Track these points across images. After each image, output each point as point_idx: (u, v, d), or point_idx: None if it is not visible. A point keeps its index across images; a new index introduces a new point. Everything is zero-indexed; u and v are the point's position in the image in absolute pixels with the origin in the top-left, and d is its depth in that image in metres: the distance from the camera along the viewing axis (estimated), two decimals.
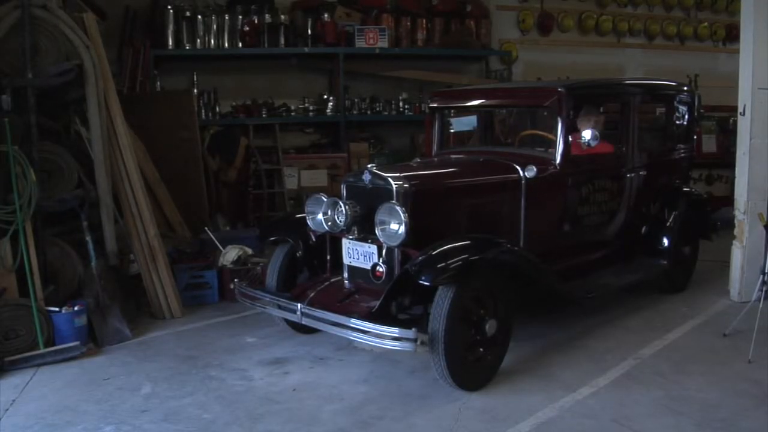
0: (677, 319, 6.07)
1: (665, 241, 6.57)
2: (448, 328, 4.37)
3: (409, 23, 10.60)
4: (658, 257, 6.57)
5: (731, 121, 10.27)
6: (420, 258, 4.52)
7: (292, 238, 5.60)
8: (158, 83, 9.23)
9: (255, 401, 4.57)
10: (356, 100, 10.31)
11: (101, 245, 6.11)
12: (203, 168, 8.44)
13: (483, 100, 6.58)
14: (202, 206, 8.25)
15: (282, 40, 9.73)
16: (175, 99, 8.55)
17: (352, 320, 4.47)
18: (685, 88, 7.34)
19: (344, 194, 5.22)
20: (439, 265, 4.43)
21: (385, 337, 4.30)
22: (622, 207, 6.34)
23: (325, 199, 5.22)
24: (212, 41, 9.46)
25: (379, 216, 4.80)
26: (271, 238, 5.87)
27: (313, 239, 5.47)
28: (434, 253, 4.51)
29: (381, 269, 4.94)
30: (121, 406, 4.57)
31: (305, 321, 4.78)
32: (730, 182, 9.83)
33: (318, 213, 5.25)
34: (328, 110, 10.11)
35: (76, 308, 5.55)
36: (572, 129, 5.82)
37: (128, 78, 8.57)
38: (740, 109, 6.36)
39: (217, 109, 9.67)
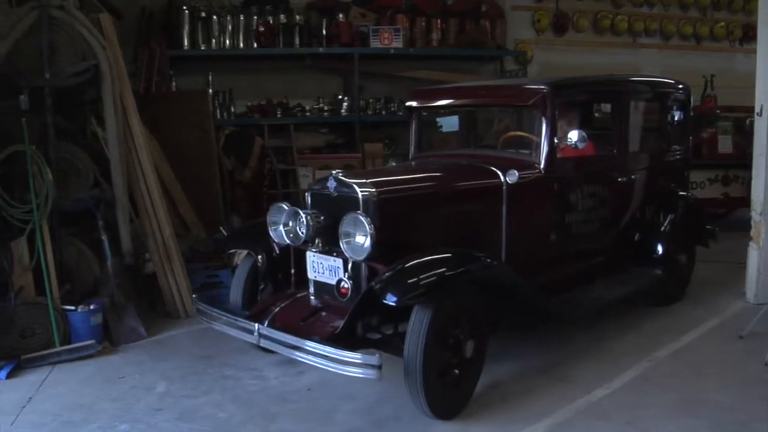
0: (692, 321, 6.03)
1: (660, 250, 6.23)
2: (426, 354, 3.99)
3: (423, 23, 10.59)
4: (652, 267, 6.22)
5: (748, 121, 10.19)
6: (385, 275, 4.10)
7: (253, 250, 5.21)
8: (174, 83, 9.26)
9: (269, 401, 4.58)
10: (371, 100, 10.32)
11: (117, 245, 6.14)
12: (218, 168, 8.46)
13: (463, 100, 6.15)
14: (216, 206, 8.27)
15: (297, 41, 9.76)
16: (191, 99, 8.57)
17: (311, 344, 4.04)
18: (680, 86, 6.98)
19: (308, 203, 4.81)
20: (406, 284, 4.02)
21: (346, 363, 3.89)
22: (614, 213, 5.98)
23: (286, 208, 4.81)
24: (227, 42, 9.49)
25: (344, 227, 4.38)
26: (230, 251, 5.45)
27: (277, 251, 5.04)
28: (401, 269, 4.09)
29: (346, 286, 4.48)
30: (135, 404, 4.60)
31: (264, 343, 4.36)
32: (747, 183, 9.80)
33: (280, 223, 4.85)
34: (343, 110, 10.11)
35: (91, 307, 5.59)
36: (558, 130, 5.38)
37: (144, 78, 8.60)
38: (757, 110, 6.32)
39: (233, 109, 9.71)
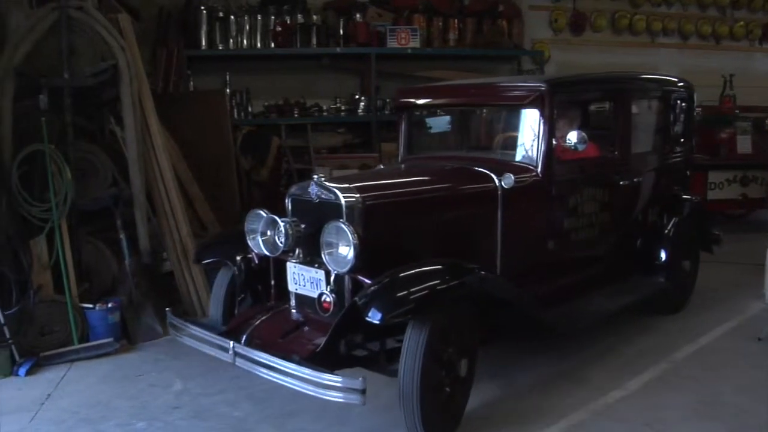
0: (710, 323, 5.99)
1: (663, 256, 5.93)
2: (423, 375, 3.73)
3: (440, 23, 10.56)
4: (655, 274, 5.93)
5: (767, 121, 10.16)
6: (369, 290, 3.79)
7: (230, 261, 4.80)
8: (191, 83, 9.29)
9: (285, 400, 4.58)
10: (388, 100, 10.28)
11: (135, 243, 6.18)
12: (235, 167, 8.48)
13: (456, 99, 5.80)
14: (234, 205, 8.29)
15: (314, 41, 9.75)
16: (208, 99, 8.59)
17: (288, 365, 3.68)
18: (683, 84, 6.66)
19: (289, 209, 4.50)
20: (392, 300, 3.71)
21: (327, 386, 3.55)
22: (615, 219, 5.69)
23: (264, 215, 4.46)
24: (245, 41, 9.51)
25: (325, 237, 4.08)
26: (205, 261, 5.08)
27: (256, 261, 4.67)
28: (387, 284, 3.78)
29: (328, 300, 4.17)
30: (153, 402, 4.63)
31: (240, 363, 3.95)
32: (766, 184, 9.76)
33: (258, 232, 4.51)
34: (360, 110, 10.10)
35: (109, 305, 5.63)
36: (557, 130, 5.08)
37: (162, 78, 8.63)
38: None
39: (250, 108, 9.72)
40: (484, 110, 5.87)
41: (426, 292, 3.78)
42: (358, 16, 9.97)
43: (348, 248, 3.99)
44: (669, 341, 5.56)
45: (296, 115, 9.80)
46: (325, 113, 10.05)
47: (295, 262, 4.37)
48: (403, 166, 5.80)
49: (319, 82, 10.29)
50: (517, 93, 5.25)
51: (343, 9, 10.05)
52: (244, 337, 4.16)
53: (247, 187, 9.04)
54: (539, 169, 4.98)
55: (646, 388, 4.74)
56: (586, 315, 5.23)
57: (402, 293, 3.74)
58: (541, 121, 4.98)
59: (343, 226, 4.01)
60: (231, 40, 9.41)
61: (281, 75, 10.07)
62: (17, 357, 5.19)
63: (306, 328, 4.28)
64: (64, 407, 4.58)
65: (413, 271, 3.89)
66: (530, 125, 5.11)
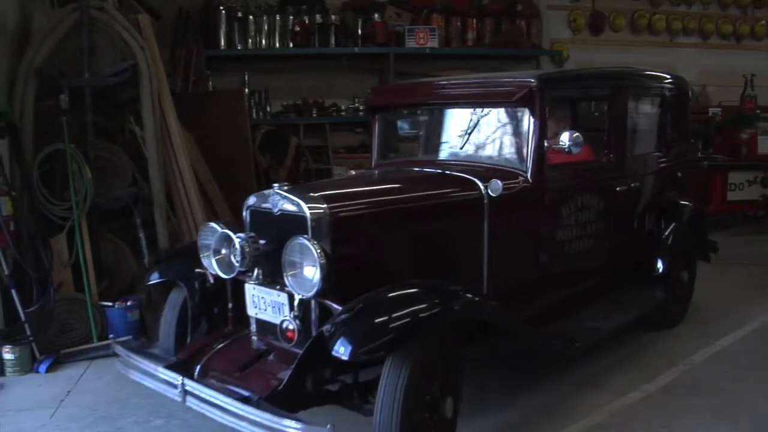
0: (728, 325, 5.94)
1: (661, 267, 5.52)
2: (403, 419, 3.19)
3: (459, 23, 10.55)
4: (653, 287, 5.51)
5: None
6: (338, 319, 3.30)
7: (182, 280, 4.26)
8: (210, 83, 9.34)
9: None
10: None
11: (154, 242, 6.21)
12: (254, 167, 8.51)
13: (436, 97, 5.19)
14: None
15: (332, 41, 9.77)
16: (227, 98, 8.63)
17: (244, 407, 3.19)
18: (677, 81, 6.22)
19: (247, 223, 3.99)
20: (363, 331, 3.23)
21: None
22: (611, 228, 5.23)
23: (219, 230, 3.88)
24: (263, 41, 9.54)
25: (288, 255, 3.54)
26: (152, 281, 4.44)
27: (211, 281, 4.10)
28: (358, 312, 3.29)
29: (291, 327, 3.59)
30: (170, 400, 4.64)
31: (190, 403, 3.45)
32: None
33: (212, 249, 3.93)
34: None
35: (128, 303, 5.66)
36: (548, 131, 4.59)
37: (181, 78, 8.68)
38: None
39: (268, 108, 9.76)
40: (468, 109, 4.99)
41: (405, 321, 3.27)
42: (376, 15, 9.98)
43: (314, 269, 3.45)
44: (686, 344, 5.51)
45: (314, 115, 9.83)
46: (343, 113, 10.07)
47: (254, 284, 3.85)
48: (377, 172, 5.28)
49: (337, 81, 10.30)
50: (503, 89, 4.73)
51: (361, 9, 10.06)
52: (197, 369, 3.72)
53: (266, 186, 9.06)
54: (529, 175, 4.49)
55: (665, 390, 4.71)
56: (581, 336, 4.65)
57: (376, 323, 3.25)
58: (532, 120, 4.50)
59: (307, 242, 3.48)
60: (250, 40, 9.46)
61: (300, 75, 10.10)
62: (37, 354, 5.25)
63: (270, 358, 3.76)
64: (83, 404, 4.61)
65: (389, 296, 3.39)
66: (519, 125, 4.64)
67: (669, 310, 5.73)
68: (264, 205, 3.88)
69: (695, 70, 12.37)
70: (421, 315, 3.33)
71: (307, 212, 3.61)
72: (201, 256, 4.03)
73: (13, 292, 5.21)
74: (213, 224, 3.95)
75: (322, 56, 9.96)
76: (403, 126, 5.62)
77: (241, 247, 3.69)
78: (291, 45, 9.61)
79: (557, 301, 4.83)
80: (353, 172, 5.37)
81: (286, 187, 3.79)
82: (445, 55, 10.44)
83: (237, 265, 3.76)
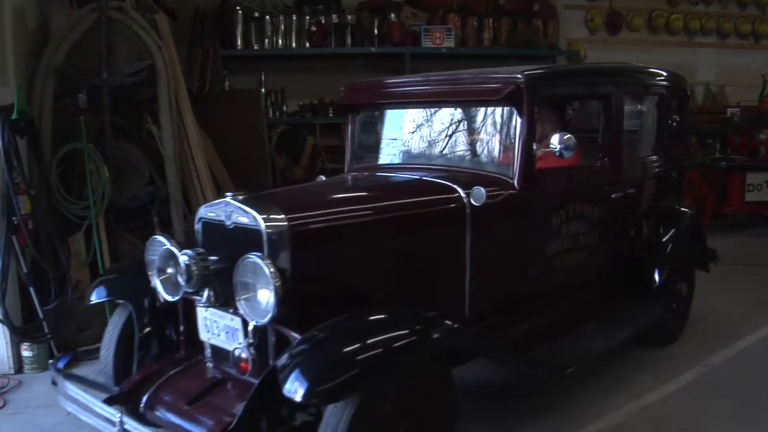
0: (748, 326, 5.90)
1: (659, 280, 5.11)
2: None
3: (475, 23, 10.53)
4: (650, 300, 5.12)
5: None
6: (293, 351, 2.86)
7: (128, 300, 3.85)
8: (227, 83, 9.38)
9: None
10: None
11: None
12: (270, 166, 8.53)
13: (413, 96, 4.67)
14: None
15: (349, 40, 9.79)
16: (244, 98, 8.66)
17: None
18: (676, 79, 5.80)
19: (199, 237, 3.57)
20: (322, 368, 2.79)
21: None
22: (606, 238, 4.82)
23: (167, 244, 3.45)
24: (280, 41, 9.58)
25: (239, 276, 3.13)
26: (94, 301, 3.98)
27: (161, 300, 3.61)
28: (317, 343, 2.88)
29: (244, 356, 3.17)
30: None
31: None
32: None
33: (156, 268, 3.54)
34: None
35: None
36: (537, 133, 4.19)
37: (198, 77, 8.71)
38: None
39: (285, 108, 9.79)
40: (450, 108, 4.56)
41: (372, 354, 2.84)
42: (392, 15, 9.98)
43: (268, 292, 3.04)
44: (705, 345, 5.48)
45: (331, 115, 9.84)
46: None
47: (205, 306, 3.42)
48: (349, 178, 4.84)
49: (353, 81, 10.29)
50: (488, 86, 4.24)
51: (377, 9, 10.06)
52: (144, 400, 3.33)
53: (282, 186, 9.09)
54: (516, 181, 4.07)
55: (683, 391, 4.69)
56: (575, 356, 4.26)
57: (338, 357, 2.83)
58: (519, 120, 4.07)
59: (260, 262, 3.05)
60: (266, 40, 9.49)
61: (316, 75, 10.11)
62: (55, 352, 5.29)
63: (227, 388, 3.35)
64: None
65: (355, 324, 3.01)
66: (505, 126, 4.22)
67: (667, 325, 5.38)
68: (217, 217, 3.43)
69: (713, 70, 12.31)
70: (393, 346, 2.92)
71: (262, 225, 3.17)
72: (149, 273, 3.61)
73: (32, 290, 5.26)
74: (160, 238, 3.52)
75: (338, 56, 9.97)
76: (380, 126, 5.02)
77: (187, 266, 3.28)
78: (307, 45, 9.64)
79: (548, 320, 4.43)
80: (323, 178, 4.84)
81: (241, 197, 3.37)
82: (462, 55, 10.42)
83: (183, 285, 3.35)
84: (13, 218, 5.17)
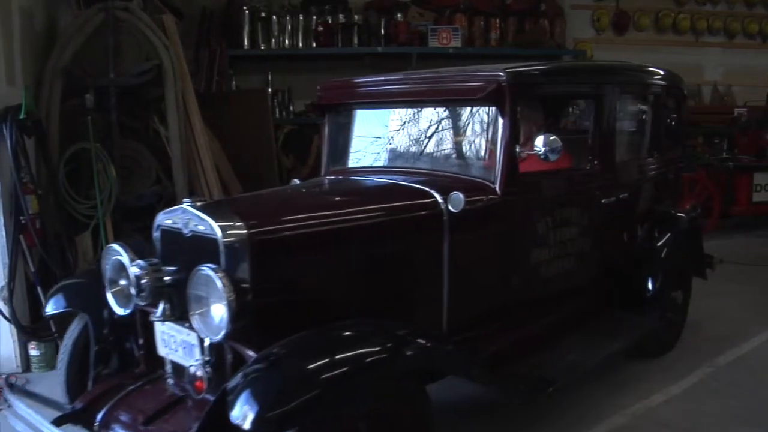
0: (754, 327, 5.89)
1: (652, 288, 4.90)
2: None
3: (482, 23, 10.52)
4: (643, 310, 4.88)
5: None
6: (246, 371, 2.62)
7: (85, 311, 3.62)
8: (234, 83, 9.40)
9: None
10: None
11: None
12: (277, 166, 8.54)
13: (392, 95, 4.43)
14: None
15: (355, 40, 9.80)
16: (250, 98, 8.68)
17: None
18: (672, 78, 5.59)
19: (158, 245, 3.35)
20: (275, 391, 2.53)
21: None
22: (595, 246, 4.58)
23: (121, 254, 3.22)
24: (287, 41, 9.59)
25: (192, 289, 2.93)
26: (51, 312, 3.77)
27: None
28: (272, 363, 2.62)
29: (200, 375, 2.93)
30: None
31: None
32: None
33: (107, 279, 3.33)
34: None
35: None
36: (521, 134, 4.02)
37: (205, 77, 8.73)
38: None
39: (291, 108, 9.80)
40: (429, 108, 4.36)
41: (334, 374, 2.59)
42: (399, 15, 9.98)
43: (222, 307, 2.80)
44: (710, 346, 5.47)
45: None
46: None
47: (161, 320, 3.21)
48: (323, 182, 4.60)
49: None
50: (468, 85, 3.99)
51: (384, 9, 10.07)
52: (99, 418, 3.10)
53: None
54: (498, 186, 3.83)
55: (688, 392, 4.68)
56: (561, 370, 4.00)
57: (294, 379, 2.56)
58: (501, 121, 3.84)
59: (212, 274, 2.82)
60: (273, 40, 9.50)
61: (323, 74, 10.07)
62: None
63: (186, 406, 3.11)
64: None
65: (316, 341, 2.76)
66: (486, 127, 4.00)
67: (661, 334, 5.16)
68: (175, 225, 3.22)
69: (721, 69, 12.28)
70: (357, 368, 2.68)
71: (219, 234, 2.95)
72: (105, 283, 3.38)
73: (39, 289, 5.28)
74: (116, 246, 3.27)
75: (345, 56, 9.97)
76: (357, 128, 4.80)
77: (137, 277, 3.08)
78: (314, 45, 9.64)
79: (532, 333, 4.19)
80: (297, 181, 4.60)
81: (199, 203, 3.18)
82: (468, 55, 10.40)
83: (134, 298, 3.16)
84: (21, 218, 5.21)
